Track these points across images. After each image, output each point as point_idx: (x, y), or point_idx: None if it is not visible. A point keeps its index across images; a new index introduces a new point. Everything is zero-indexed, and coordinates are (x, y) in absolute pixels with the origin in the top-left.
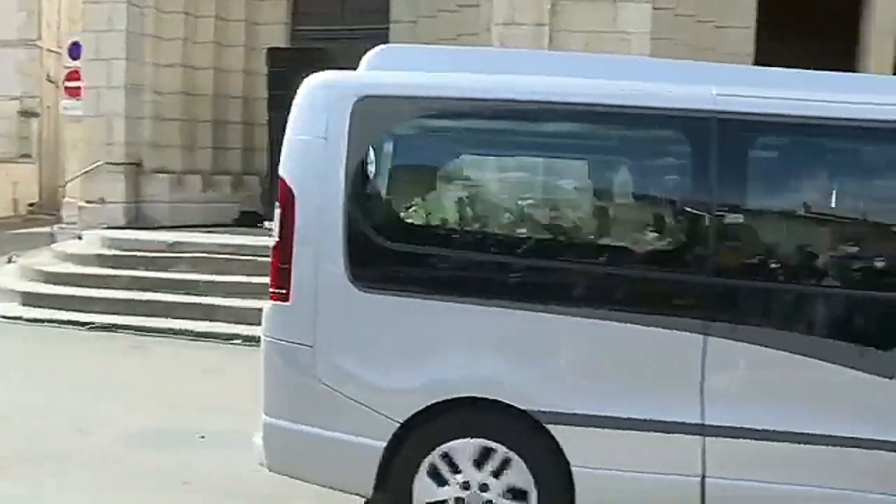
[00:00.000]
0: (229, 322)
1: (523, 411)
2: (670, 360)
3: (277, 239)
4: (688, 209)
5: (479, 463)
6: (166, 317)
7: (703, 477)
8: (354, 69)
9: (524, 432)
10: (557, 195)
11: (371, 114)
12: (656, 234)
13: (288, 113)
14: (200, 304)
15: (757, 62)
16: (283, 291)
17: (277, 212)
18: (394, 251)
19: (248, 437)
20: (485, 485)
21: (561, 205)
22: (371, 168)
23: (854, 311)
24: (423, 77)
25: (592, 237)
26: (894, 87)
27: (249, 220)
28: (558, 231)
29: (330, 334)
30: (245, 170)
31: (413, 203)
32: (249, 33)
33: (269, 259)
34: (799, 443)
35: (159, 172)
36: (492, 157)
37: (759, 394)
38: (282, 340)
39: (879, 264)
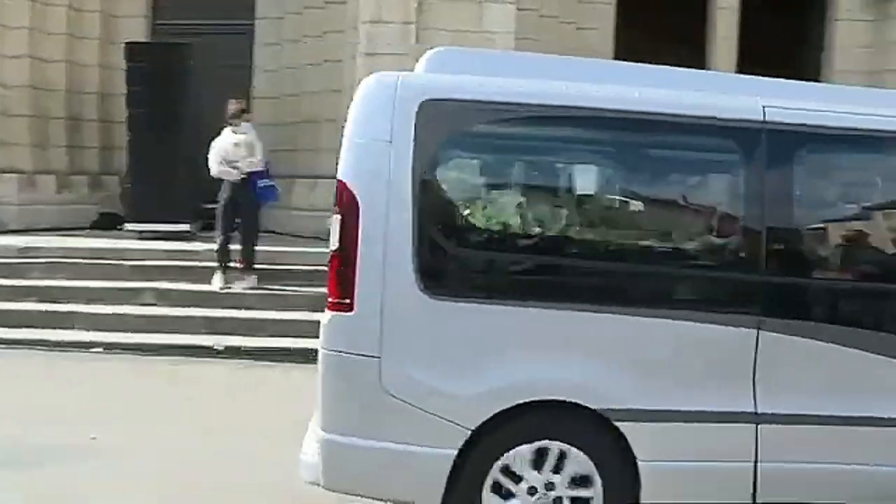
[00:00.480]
0: (89, 330)
1: (593, 410)
2: (727, 354)
3: (338, 246)
4: (743, 215)
5: (548, 466)
6: (20, 326)
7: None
8: (220, 66)
9: (593, 431)
10: (622, 201)
11: (437, 117)
12: (714, 238)
13: (148, 110)
14: (57, 311)
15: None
16: (347, 301)
17: (336, 218)
18: (465, 257)
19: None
20: (552, 485)
21: (626, 210)
22: (439, 173)
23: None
24: (491, 81)
25: (658, 242)
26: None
27: (109, 223)
28: (626, 236)
29: (397, 344)
30: (103, 170)
31: (484, 208)
32: (106, 26)
33: (133, 263)
34: (843, 425)
35: (6, 172)
36: (560, 163)
37: (807, 382)
38: (344, 352)
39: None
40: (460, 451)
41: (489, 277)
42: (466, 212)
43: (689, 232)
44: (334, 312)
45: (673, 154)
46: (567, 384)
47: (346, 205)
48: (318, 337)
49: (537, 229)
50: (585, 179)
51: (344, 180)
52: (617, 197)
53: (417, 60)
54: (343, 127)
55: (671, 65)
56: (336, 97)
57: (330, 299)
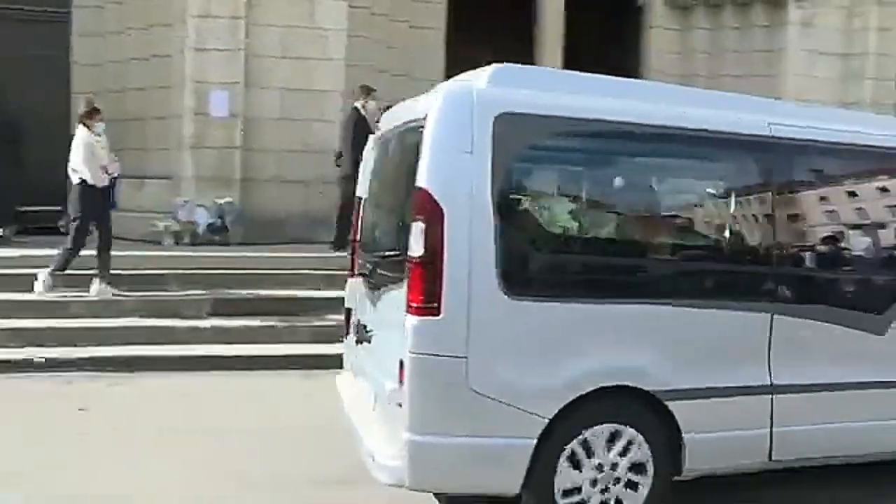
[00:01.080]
0: None
1: (648, 392)
2: (747, 335)
3: (422, 253)
4: (769, 220)
5: (608, 445)
6: None
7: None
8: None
9: (647, 410)
10: (674, 208)
11: (512, 129)
12: (747, 239)
13: None
14: None
15: (448, 60)
16: (434, 305)
17: (419, 225)
18: (542, 260)
19: None
20: (615, 464)
21: (679, 217)
22: (516, 181)
23: (864, 290)
24: (560, 97)
25: (705, 244)
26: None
27: None
28: (679, 239)
29: (482, 343)
30: None
31: (559, 214)
32: None
33: None
34: (837, 390)
35: None
36: (620, 173)
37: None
38: (433, 355)
39: (883, 256)
40: (539, 438)
41: (563, 278)
42: (542, 218)
43: (730, 235)
44: (421, 317)
45: (723, 166)
46: (628, 371)
47: (431, 213)
48: (151, 343)
49: (602, 234)
50: (644, 189)
51: (427, 189)
52: (672, 205)
53: (247, 57)
54: (171, 123)
55: (501, 61)
56: (164, 94)
57: (414, 304)
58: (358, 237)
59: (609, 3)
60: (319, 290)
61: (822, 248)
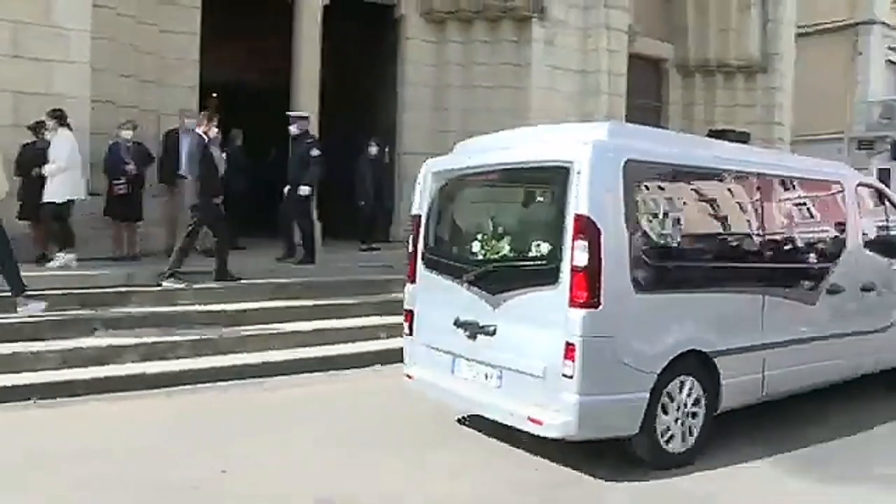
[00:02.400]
0: None
1: (704, 353)
2: (753, 310)
3: (586, 262)
4: (760, 234)
5: (682, 391)
6: None
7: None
8: None
9: (702, 365)
10: (716, 226)
11: (634, 171)
12: (750, 247)
13: None
14: None
15: (203, 66)
16: (596, 300)
17: (583, 243)
18: (651, 266)
19: None
20: (685, 403)
21: (734, 234)
22: (636, 211)
23: (804, 279)
24: (661, 148)
25: (746, 253)
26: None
27: None
28: (720, 245)
29: (622, 326)
30: None
31: (659, 235)
32: None
33: None
34: (793, 345)
35: None
36: (706, 204)
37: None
38: (596, 337)
39: (809, 255)
40: (651, 391)
41: (661, 277)
42: (650, 237)
43: (756, 246)
44: (587, 310)
45: (757, 197)
46: (695, 339)
47: (592, 234)
48: None
49: (681, 247)
50: (716, 214)
51: (590, 216)
52: (713, 225)
53: None
54: None
55: (260, 65)
56: None
57: (580, 301)
58: (424, 248)
59: (368, 13)
60: None
61: (783, 253)
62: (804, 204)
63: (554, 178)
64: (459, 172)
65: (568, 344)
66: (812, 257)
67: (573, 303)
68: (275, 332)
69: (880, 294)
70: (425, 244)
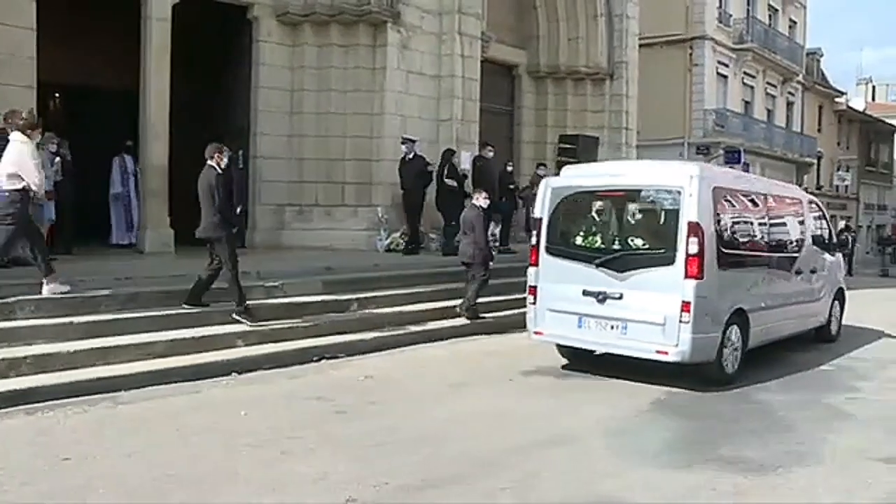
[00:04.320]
0: None
1: (743, 309)
2: (762, 282)
3: (697, 251)
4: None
5: (732, 333)
6: None
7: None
8: None
9: (742, 318)
10: (755, 230)
11: (716, 195)
12: (764, 239)
13: None
14: None
15: (40, 64)
16: (701, 274)
17: (694, 238)
18: (723, 253)
19: None
20: (734, 341)
21: (771, 231)
22: (717, 218)
23: (786, 261)
24: (730, 180)
25: (761, 245)
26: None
27: None
28: (754, 243)
29: (711, 290)
30: None
31: (726, 233)
32: None
33: None
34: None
35: None
36: (750, 213)
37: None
38: (700, 297)
39: (789, 248)
40: (722, 332)
41: (727, 259)
42: (724, 234)
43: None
44: (697, 280)
45: (774, 206)
46: (741, 300)
47: (699, 232)
48: None
49: (736, 239)
50: (749, 222)
51: (699, 222)
52: (752, 226)
53: None
54: None
55: (107, 66)
56: None
57: (693, 276)
58: (546, 241)
59: (220, 14)
60: None
61: (778, 246)
62: (786, 214)
63: (667, 197)
64: (576, 189)
65: (684, 301)
66: (790, 249)
67: (688, 276)
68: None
69: (819, 275)
70: (548, 238)
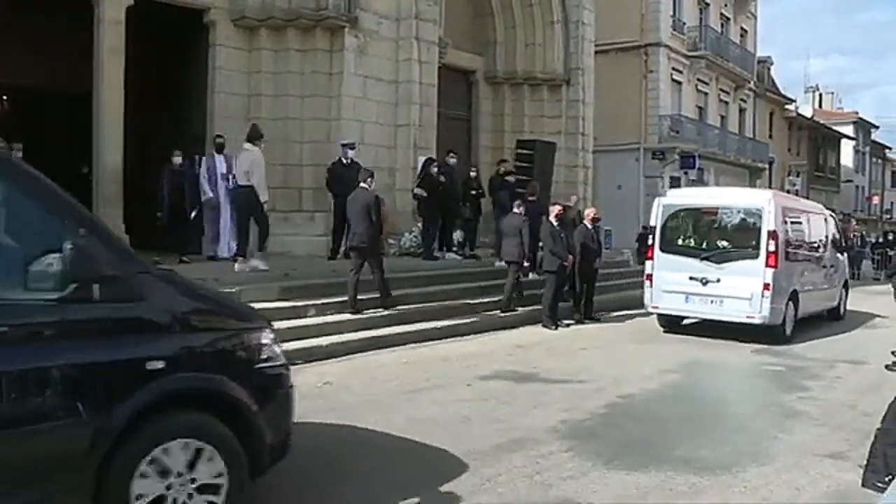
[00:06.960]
0: None
1: (796, 290)
2: (804, 271)
3: (774, 249)
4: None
5: (790, 305)
6: None
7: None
8: None
9: (794, 297)
10: (802, 235)
11: (784, 212)
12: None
13: None
14: None
15: None
16: (777, 265)
17: (773, 241)
18: (787, 251)
19: None
20: (792, 312)
21: (810, 236)
22: (780, 225)
23: (818, 257)
24: (790, 202)
25: (806, 246)
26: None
27: None
28: (802, 244)
29: (782, 276)
30: None
31: (789, 236)
32: None
33: None
34: (815, 290)
35: None
36: (796, 226)
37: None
38: (776, 280)
39: (820, 248)
40: (784, 305)
41: (789, 256)
42: (787, 238)
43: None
44: (773, 269)
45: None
46: (796, 284)
47: (775, 237)
48: None
49: (792, 242)
50: (798, 230)
51: (775, 229)
52: (802, 234)
53: None
54: None
55: (59, 69)
56: None
57: (771, 265)
58: (660, 242)
59: (176, 17)
60: None
61: (816, 247)
62: (817, 224)
63: (753, 212)
64: (681, 206)
65: (765, 283)
66: (820, 249)
67: (767, 265)
68: None
69: (835, 268)
70: (661, 240)
